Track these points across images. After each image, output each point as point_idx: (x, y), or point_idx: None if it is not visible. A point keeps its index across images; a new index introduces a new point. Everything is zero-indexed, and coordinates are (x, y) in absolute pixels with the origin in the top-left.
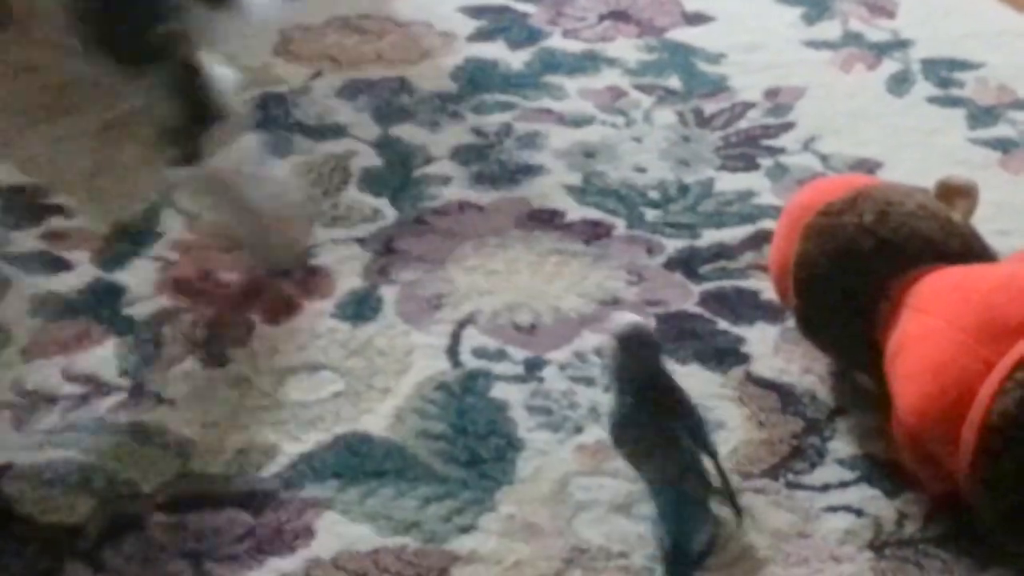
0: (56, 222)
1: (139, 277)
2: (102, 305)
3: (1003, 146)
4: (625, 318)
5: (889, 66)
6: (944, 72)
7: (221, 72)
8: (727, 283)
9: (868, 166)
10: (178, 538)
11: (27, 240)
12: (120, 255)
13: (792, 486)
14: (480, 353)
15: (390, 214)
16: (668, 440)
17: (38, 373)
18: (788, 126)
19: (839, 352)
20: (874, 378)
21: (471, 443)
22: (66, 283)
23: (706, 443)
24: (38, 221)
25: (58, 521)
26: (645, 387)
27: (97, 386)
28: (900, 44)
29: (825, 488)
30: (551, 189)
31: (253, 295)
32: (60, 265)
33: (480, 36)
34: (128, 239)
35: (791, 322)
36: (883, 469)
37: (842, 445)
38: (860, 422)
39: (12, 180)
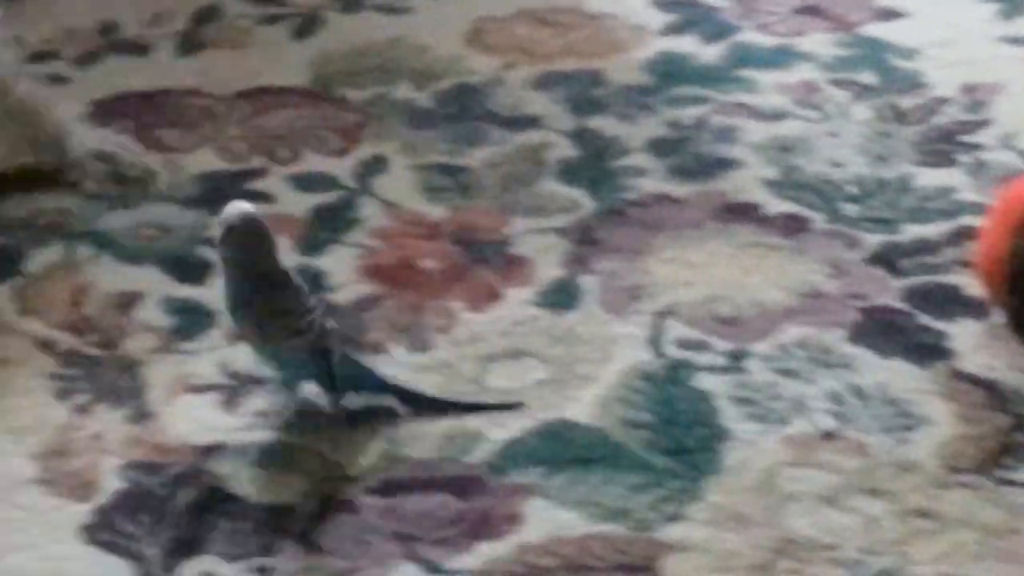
0: (259, 208)
1: (340, 263)
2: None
3: None
4: (235, 207)
5: None
6: None
7: None
8: (928, 278)
9: None
10: (390, 521)
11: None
12: (320, 241)
13: (1002, 482)
14: (682, 344)
15: (588, 205)
16: (275, 310)
17: (245, 356)
18: (985, 122)
19: None
20: None
21: (676, 432)
22: None
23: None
24: None
25: (271, 501)
26: (250, 271)
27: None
28: None
29: None
30: (747, 182)
31: (454, 282)
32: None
33: (672, 30)
34: (327, 225)
35: (996, 318)
36: None
37: None
38: None
39: (213, 166)
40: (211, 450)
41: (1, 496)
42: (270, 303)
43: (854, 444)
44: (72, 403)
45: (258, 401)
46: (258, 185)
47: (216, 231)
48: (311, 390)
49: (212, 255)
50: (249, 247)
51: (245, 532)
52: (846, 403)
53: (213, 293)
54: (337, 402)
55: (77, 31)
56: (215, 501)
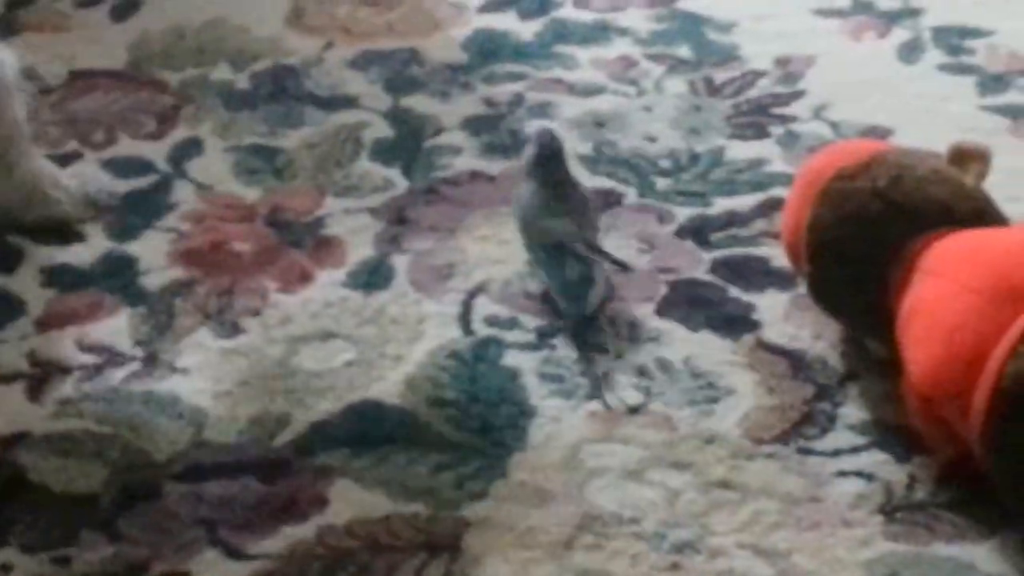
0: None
1: (151, 248)
2: (115, 276)
3: (1013, 113)
4: (538, 125)
5: (899, 34)
6: (955, 40)
7: None
8: (738, 251)
9: (879, 133)
10: (193, 507)
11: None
12: (132, 227)
13: (803, 452)
14: (492, 321)
15: (401, 184)
16: (557, 211)
17: (52, 344)
18: (799, 94)
19: (851, 317)
20: (886, 343)
21: (483, 410)
22: (78, 255)
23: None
24: None
25: (73, 490)
26: (548, 175)
27: (111, 356)
28: (911, 12)
29: (836, 453)
30: None
31: (265, 264)
32: (72, 237)
33: (491, 7)
34: (140, 210)
35: (802, 289)
36: (894, 434)
37: (853, 410)
38: (871, 387)
39: None
40: (14, 440)
41: None
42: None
43: (660, 418)
44: None
45: (65, 389)
46: (70, 170)
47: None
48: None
49: (21, 243)
50: (554, 159)
51: (46, 522)
52: (653, 377)
53: (21, 282)
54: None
55: None
56: (15, 491)
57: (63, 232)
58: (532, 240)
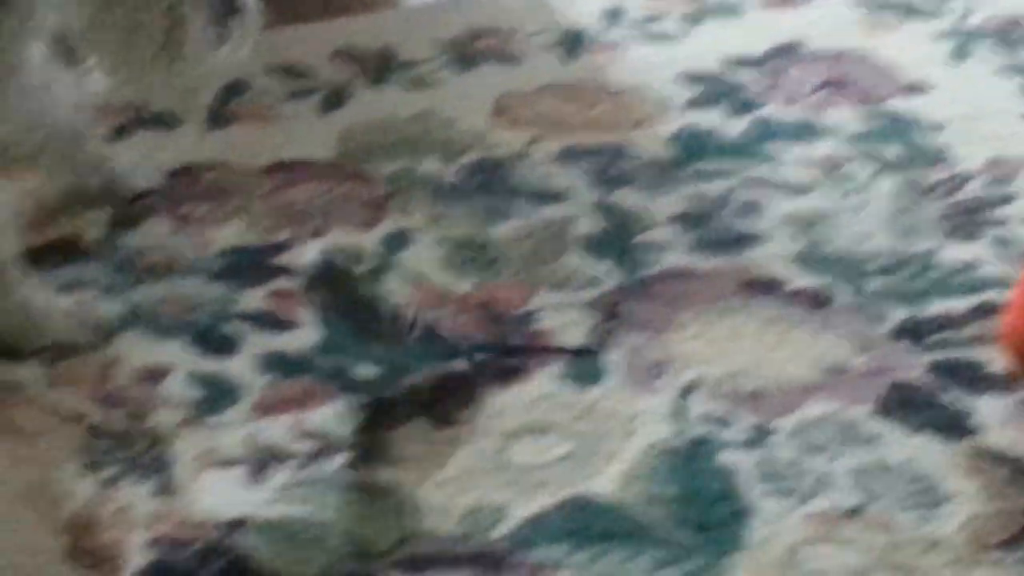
0: (281, 283)
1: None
2: (331, 364)
3: None
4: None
5: None
6: None
7: None
8: (953, 353)
9: None
10: None
11: (253, 300)
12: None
13: None
14: (706, 419)
15: (612, 279)
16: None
17: (270, 429)
18: (1010, 197)
19: None
20: None
21: (700, 508)
22: (294, 341)
23: None
24: (263, 281)
25: None
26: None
27: (328, 443)
28: None
29: None
30: (772, 257)
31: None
32: (286, 324)
33: (696, 104)
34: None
35: (1021, 394)
36: None
37: None
38: None
39: (239, 240)
40: (236, 525)
41: (28, 571)
42: None
43: (879, 521)
44: (99, 476)
45: (283, 476)
46: (285, 259)
47: None
48: None
49: (238, 328)
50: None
51: None
52: (871, 479)
53: (240, 366)
54: None
55: (108, 106)
56: None
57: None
58: None
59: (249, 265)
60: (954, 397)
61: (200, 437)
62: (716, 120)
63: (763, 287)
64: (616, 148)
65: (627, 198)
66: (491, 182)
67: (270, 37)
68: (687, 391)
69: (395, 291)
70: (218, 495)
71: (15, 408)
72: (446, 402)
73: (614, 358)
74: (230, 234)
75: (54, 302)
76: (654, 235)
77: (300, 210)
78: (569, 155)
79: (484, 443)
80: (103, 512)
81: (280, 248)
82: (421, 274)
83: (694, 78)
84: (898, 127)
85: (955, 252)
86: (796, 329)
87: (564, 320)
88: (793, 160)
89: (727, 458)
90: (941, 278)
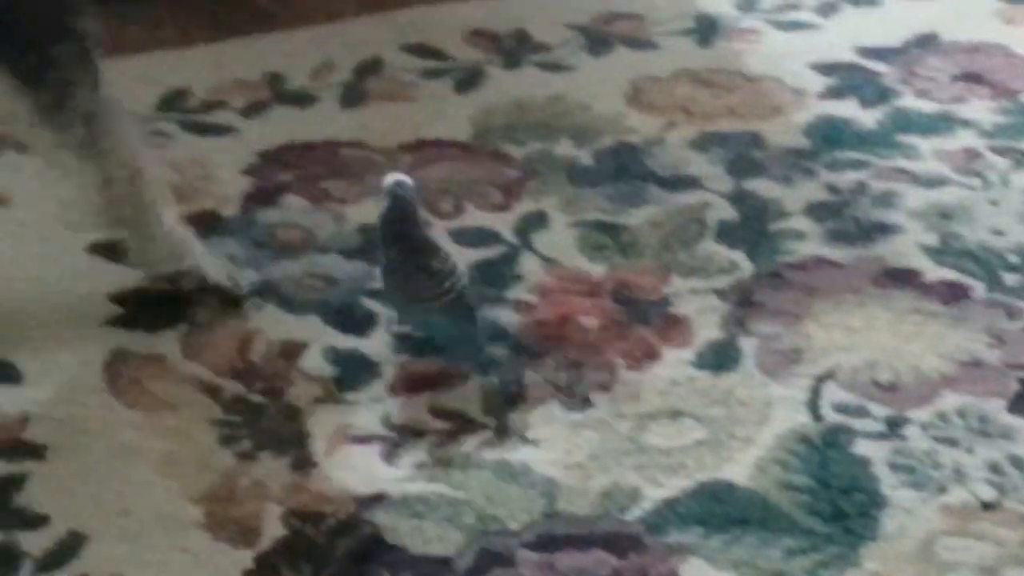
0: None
1: (500, 318)
2: (465, 344)
3: None
4: (391, 177)
5: None
6: None
7: None
8: None
9: None
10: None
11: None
12: (482, 296)
13: None
14: (841, 408)
15: (747, 267)
16: (421, 271)
17: (406, 408)
18: None
19: None
20: None
21: (834, 497)
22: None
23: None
24: None
25: (429, 553)
26: (403, 236)
27: (463, 423)
28: None
29: None
30: (907, 249)
31: (613, 340)
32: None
33: (831, 94)
34: (488, 281)
35: None
36: None
37: None
38: None
39: (375, 218)
40: (371, 501)
41: (167, 539)
42: (416, 266)
43: (1014, 515)
44: (236, 449)
45: (419, 453)
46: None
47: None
48: None
49: (374, 307)
50: (396, 216)
51: None
52: (1006, 473)
53: (376, 344)
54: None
55: (244, 82)
56: (374, 551)
57: None
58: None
59: None
60: None
61: (336, 413)
62: (851, 110)
63: (899, 278)
64: (752, 136)
65: (762, 186)
66: (626, 167)
67: (405, 16)
68: (822, 380)
69: (531, 273)
70: (354, 471)
71: (155, 379)
72: (582, 383)
73: (749, 345)
74: (366, 211)
75: (195, 242)
76: (789, 224)
77: (435, 189)
78: (704, 141)
79: (620, 425)
80: (240, 484)
81: None
82: (555, 257)
83: (830, 67)
84: None
85: None
86: (932, 321)
87: (699, 306)
88: (929, 152)
89: (862, 448)
90: None
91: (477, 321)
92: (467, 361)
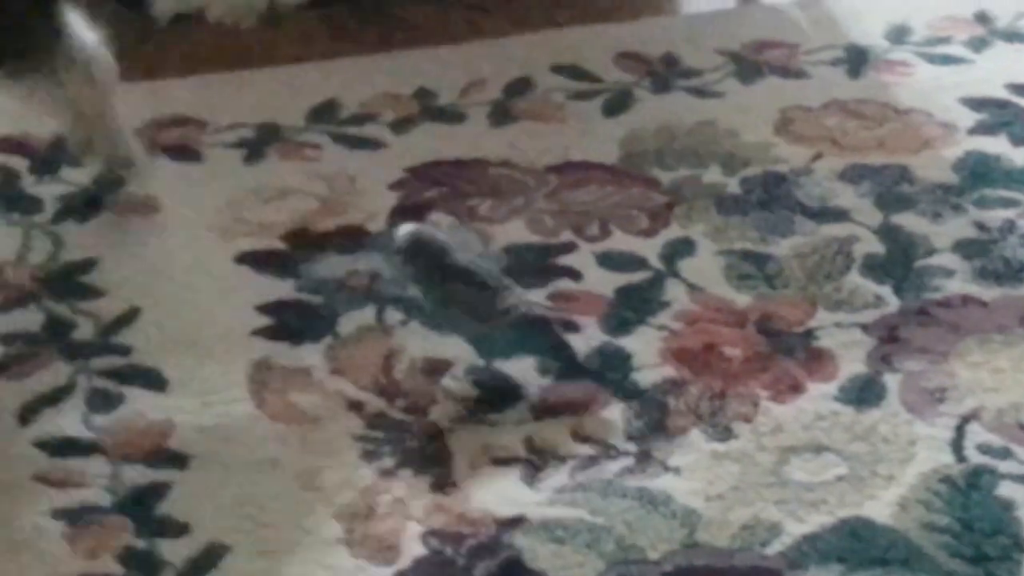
0: (563, 284)
1: (645, 344)
2: (610, 369)
3: None
4: (404, 229)
5: None
6: None
7: None
8: None
9: None
10: None
11: (535, 299)
12: (626, 322)
13: None
14: (985, 450)
15: (893, 302)
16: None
17: (548, 431)
18: None
19: None
20: None
21: (977, 540)
22: (574, 344)
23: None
24: (545, 281)
25: None
26: (433, 277)
27: (605, 449)
28: None
29: None
30: None
31: (757, 371)
32: (568, 326)
33: (982, 129)
34: (633, 306)
35: None
36: None
37: None
38: None
39: (521, 238)
40: (512, 523)
41: (307, 555)
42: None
43: None
44: (378, 466)
45: (560, 477)
46: (565, 261)
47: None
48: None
49: None
50: (425, 254)
51: None
52: None
53: (519, 365)
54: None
55: (394, 96)
56: (514, 574)
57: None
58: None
59: (531, 264)
60: None
61: (478, 434)
62: (1002, 147)
63: None
64: (901, 169)
65: (910, 221)
66: (774, 196)
67: (556, 36)
68: (967, 420)
69: (676, 299)
70: (495, 492)
71: (299, 392)
72: (724, 414)
73: (894, 381)
74: (512, 230)
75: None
76: (936, 260)
77: (581, 212)
78: (852, 173)
79: (761, 458)
80: (380, 501)
81: (562, 249)
82: (700, 285)
83: (980, 103)
84: None
85: None
86: None
87: (844, 340)
88: None
89: (1006, 490)
90: None
91: (557, 334)
92: (610, 387)
